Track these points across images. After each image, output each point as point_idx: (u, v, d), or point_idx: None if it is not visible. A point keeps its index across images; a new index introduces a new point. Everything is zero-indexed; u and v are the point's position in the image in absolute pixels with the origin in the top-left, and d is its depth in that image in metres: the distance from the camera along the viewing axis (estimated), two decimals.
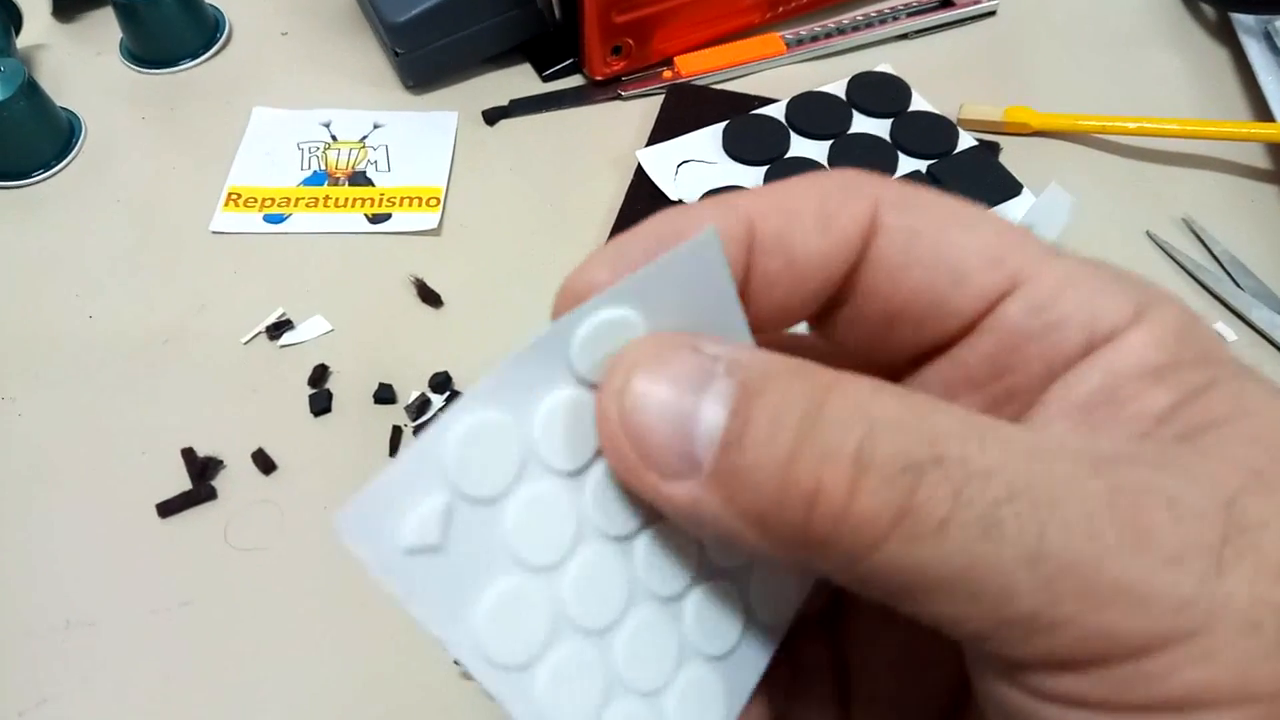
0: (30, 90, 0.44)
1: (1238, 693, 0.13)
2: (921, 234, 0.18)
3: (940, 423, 0.14)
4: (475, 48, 0.47)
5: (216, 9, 0.52)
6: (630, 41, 0.46)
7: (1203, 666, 0.13)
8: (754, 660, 0.19)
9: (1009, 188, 0.42)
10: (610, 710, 0.17)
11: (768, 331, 0.19)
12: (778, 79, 0.48)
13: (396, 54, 0.46)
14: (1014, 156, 0.44)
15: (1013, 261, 0.17)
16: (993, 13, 0.51)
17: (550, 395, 0.16)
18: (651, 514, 0.17)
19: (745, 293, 0.18)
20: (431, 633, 0.14)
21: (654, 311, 0.17)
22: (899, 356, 0.20)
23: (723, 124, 0.45)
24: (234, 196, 0.43)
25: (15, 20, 0.50)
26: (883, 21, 0.50)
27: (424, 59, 0.47)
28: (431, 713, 0.30)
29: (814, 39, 0.49)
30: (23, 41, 0.51)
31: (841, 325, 0.21)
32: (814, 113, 0.45)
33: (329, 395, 0.37)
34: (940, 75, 0.47)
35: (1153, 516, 0.14)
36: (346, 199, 0.43)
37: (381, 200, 0.43)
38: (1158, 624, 0.13)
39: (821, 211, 0.18)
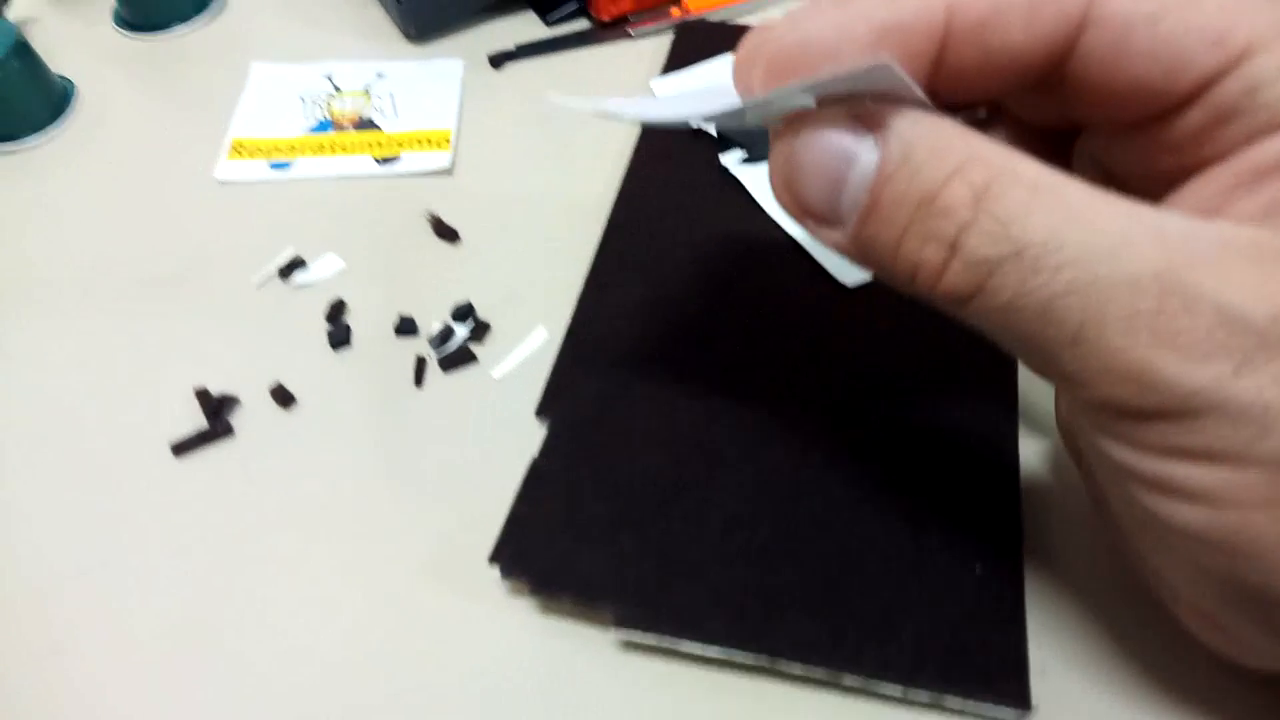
0: (22, 51, 0.43)
1: (1226, 459, 0.17)
2: (1137, 24, 0.18)
3: (1039, 218, 0.17)
4: None
5: None
6: None
7: (1198, 437, 0.17)
8: None
9: None
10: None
11: (956, 103, 0.21)
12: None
13: (398, 2, 0.45)
14: None
15: (1239, 38, 0.18)
16: None
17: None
18: None
19: (932, 80, 0.20)
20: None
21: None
22: (1090, 127, 0.22)
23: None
24: (238, 147, 0.42)
25: None
26: None
27: (426, 6, 0.45)
28: (460, 646, 0.27)
29: None
30: (12, 14, 0.49)
31: (1029, 106, 0.23)
32: None
33: (347, 329, 0.35)
34: None
35: (1194, 320, 0.16)
36: (353, 143, 0.42)
37: (390, 143, 0.42)
38: (1165, 403, 0.17)
39: (1031, 2, 0.19)
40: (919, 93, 0.19)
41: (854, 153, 0.19)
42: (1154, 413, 0.17)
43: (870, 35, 0.19)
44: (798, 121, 0.20)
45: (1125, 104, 0.20)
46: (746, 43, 0.22)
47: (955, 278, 0.18)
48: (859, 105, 0.19)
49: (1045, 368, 0.19)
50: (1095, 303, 0.17)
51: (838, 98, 0.19)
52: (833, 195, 0.20)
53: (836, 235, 0.20)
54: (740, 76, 0.22)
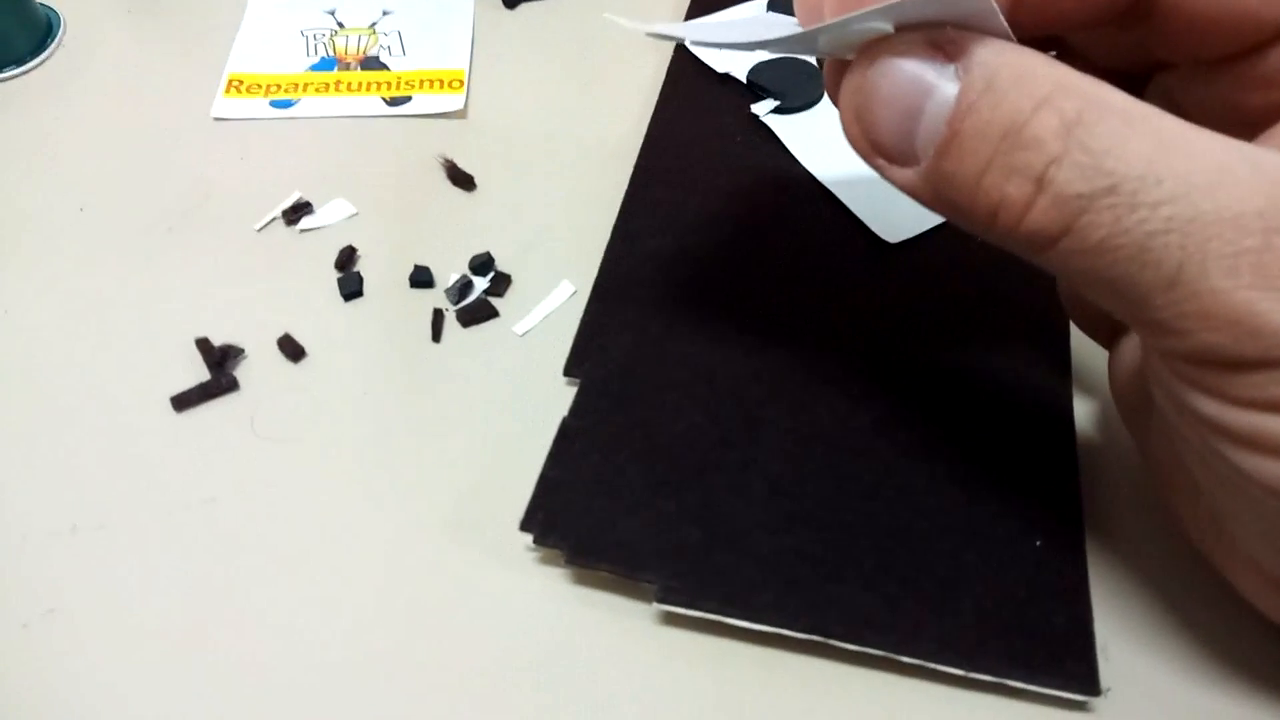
0: None
1: None
2: None
3: (1134, 149, 0.16)
4: None
5: None
6: None
7: None
8: None
9: None
10: None
11: (1036, 34, 0.19)
12: None
13: None
14: None
15: None
16: None
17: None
18: None
19: (1015, 7, 0.19)
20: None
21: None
22: (1179, 63, 0.21)
23: None
24: (235, 83, 0.39)
25: None
26: None
27: None
28: (487, 616, 0.26)
29: None
30: None
31: (1104, 45, 0.22)
32: None
33: (359, 278, 0.33)
34: None
35: None
36: (361, 83, 0.39)
37: (399, 83, 0.39)
38: (1268, 351, 0.16)
39: None
40: (1002, 21, 0.18)
41: (932, 83, 0.18)
42: (1253, 361, 0.16)
43: None
44: (872, 49, 0.19)
45: (1216, 34, 0.19)
46: None
47: (1042, 216, 0.17)
48: (938, 33, 0.18)
49: (1133, 314, 0.17)
50: (1196, 241, 0.15)
51: (916, 24, 0.18)
52: (907, 128, 0.18)
53: (909, 175, 0.19)
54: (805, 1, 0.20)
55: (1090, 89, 0.17)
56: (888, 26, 0.18)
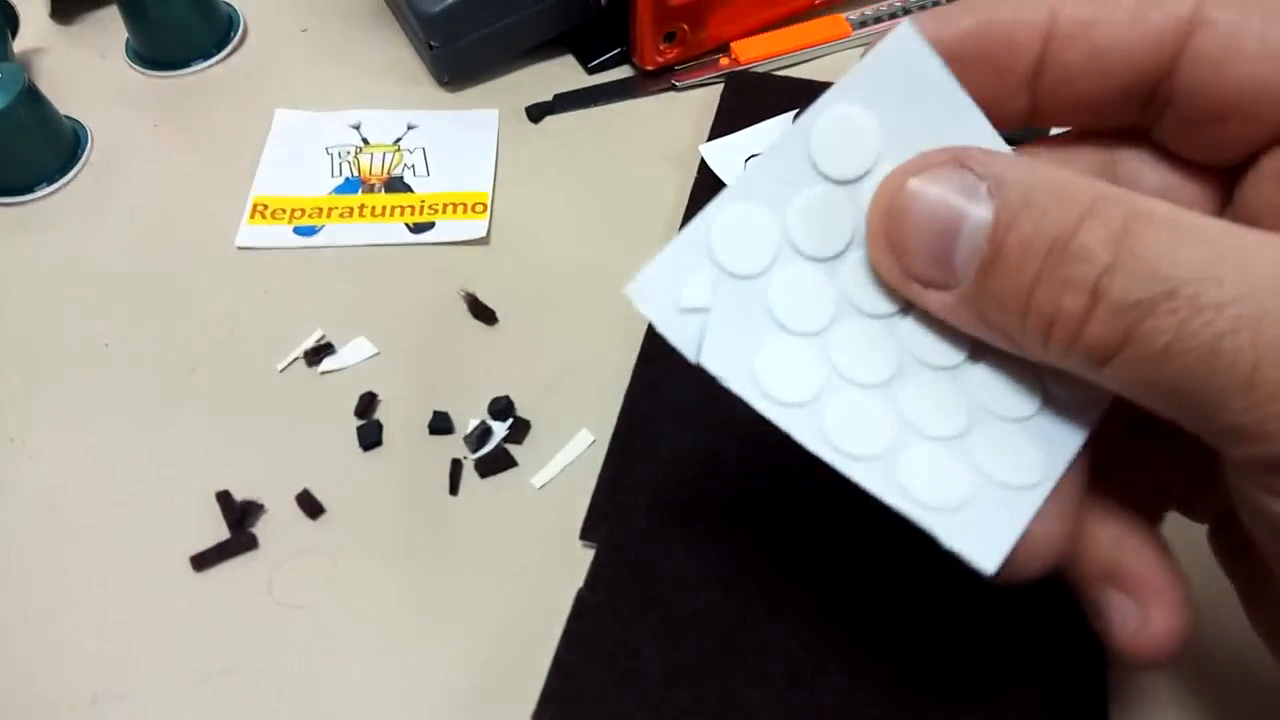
0: (31, 97, 0.40)
1: None
2: (1247, 24, 0.17)
3: (1187, 254, 0.15)
4: (515, 38, 0.43)
5: (230, 5, 0.48)
6: (685, 27, 0.43)
7: None
8: (1065, 426, 0.19)
9: None
10: (907, 449, 0.18)
11: (1059, 126, 0.20)
12: (843, 63, 0.45)
13: (431, 47, 0.42)
14: None
15: None
16: None
17: (802, 192, 0.19)
18: (907, 302, 0.19)
19: (1037, 86, 0.19)
20: (714, 373, 0.19)
21: (881, 107, 0.18)
22: (1214, 157, 0.20)
23: (791, 113, 0.41)
24: (260, 208, 0.39)
25: (11, 22, 0.46)
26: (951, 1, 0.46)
27: (461, 51, 0.43)
28: None
29: (878, 20, 0.45)
30: (19, 45, 0.47)
31: (1146, 126, 0.21)
32: None
33: (379, 427, 0.33)
34: None
35: None
36: (384, 207, 0.39)
37: (423, 208, 0.39)
38: None
39: (1139, 2, 0.18)
40: (1001, 141, 0.18)
41: (964, 201, 0.17)
42: None
43: (972, 27, 0.19)
44: (895, 174, 0.18)
45: (1234, 114, 0.18)
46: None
47: (1101, 327, 0.16)
48: (962, 150, 0.18)
49: (1204, 423, 0.16)
50: (1269, 339, 0.15)
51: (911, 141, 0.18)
52: (943, 248, 0.18)
53: (946, 299, 0.18)
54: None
55: (1131, 199, 0.16)
56: (867, 116, 0.19)
